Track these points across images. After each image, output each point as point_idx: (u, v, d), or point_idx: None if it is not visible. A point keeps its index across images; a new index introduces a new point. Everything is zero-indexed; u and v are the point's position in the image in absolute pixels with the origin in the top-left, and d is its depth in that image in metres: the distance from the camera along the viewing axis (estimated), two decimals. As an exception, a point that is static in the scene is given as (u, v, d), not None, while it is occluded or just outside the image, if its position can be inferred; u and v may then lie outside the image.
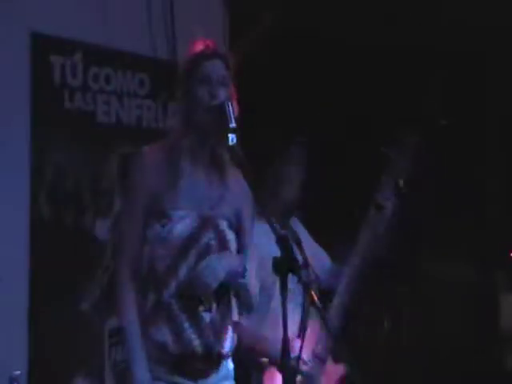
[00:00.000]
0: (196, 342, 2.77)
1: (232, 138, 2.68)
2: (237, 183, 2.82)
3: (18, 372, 3.68)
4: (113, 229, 4.18)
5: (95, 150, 4.67)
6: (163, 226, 2.78)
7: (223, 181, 2.87)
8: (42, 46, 4.51)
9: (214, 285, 2.71)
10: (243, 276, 2.81)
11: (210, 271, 2.75)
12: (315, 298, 2.62)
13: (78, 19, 4.65)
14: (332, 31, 5.05)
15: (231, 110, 2.71)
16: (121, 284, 2.73)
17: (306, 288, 2.60)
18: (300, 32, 5.04)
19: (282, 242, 2.49)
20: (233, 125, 2.68)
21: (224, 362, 2.84)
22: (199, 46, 2.79)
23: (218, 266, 2.77)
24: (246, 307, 2.89)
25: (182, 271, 2.77)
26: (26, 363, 4.36)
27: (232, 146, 2.69)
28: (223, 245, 2.83)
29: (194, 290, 2.70)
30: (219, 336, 2.82)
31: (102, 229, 4.63)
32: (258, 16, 4.94)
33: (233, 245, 2.84)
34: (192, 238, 2.79)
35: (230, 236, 2.84)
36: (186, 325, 2.76)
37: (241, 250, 2.89)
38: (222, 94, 2.75)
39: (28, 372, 4.27)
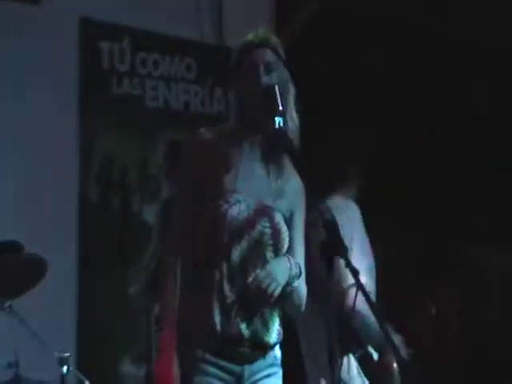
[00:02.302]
0: (244, 328, 2.77)
1: (279, 121, 2.70)
2: (294, 180, 2.83)
3: (67, 354, 3.77)
4: (159, 215, 4.27)
5: (143, 134, 4.78)
6: (219, 207, 2.77)
7: (281, 174, 2.86)
8: (91, 32, 4.66)
9: (276, 292, 2.74)
10: (298, 278, 2.84)
11: (271, 278, 2.75)
12: (363, 284, 2.65)
13: (125, 4, 4.71)
14: (378, 13, 5.04)
15: (278, 95, 2.74)
16: (165, 270, 2.79)
17: (354, 273, 2.63)
18: (345, 15, 5.02)
19: (328, 225, 2.52)
20: (280, 108, 2.72)
21: (271, 351, 2.84)
22: (249, 35, 2.84)
23: (279, 274, 2.77)
24: (295, 309, 2.92)
25: (235, 254, 2.77)
26: (75, 346, 4.51)
27: (279, 130, 2.71)
28: (277, 235, 2.82)
29: (254, 296, 2.74)
30: (267, 327, 2.82)
31: (149, 214, 4.73)
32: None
33: (286, 237, 2.83)
34: (247, 223, 2.77)
35: (284, 228, 2.83)
36: (237, 309, 2.76)
37: (291, 246, 2.87)
38: (270, 80, 2.79)
39: (76, 354, 4.41)
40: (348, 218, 3.58)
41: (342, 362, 3.61)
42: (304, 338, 3.74)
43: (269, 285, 2.69)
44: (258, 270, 2.73)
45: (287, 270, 2.75)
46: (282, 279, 2.73)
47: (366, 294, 2.66)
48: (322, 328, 3.41)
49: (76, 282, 4.68)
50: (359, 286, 2.66)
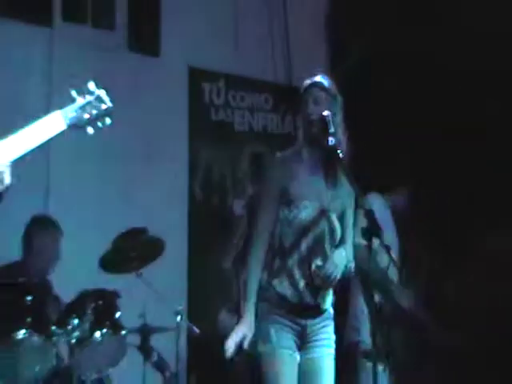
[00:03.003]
0: (308, 298, 2.86)
1: (331, 140, 2.73)
2: (345, 186, 2.92)
3: (181, 307, 3.81)
4: (246, 207, 4.31)
5: (234, 150, 5.01)
6: (290, 212, 2.86)
7: (336, 182, 2.93)
8: (196, 76, 4.90)
9: (338, 276, 2.83)
10: (351, 261, 2.94)
11: (334, 267, 2.79)
12: (393, 257, 2.66)
13: (221, 56, 5.00)
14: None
15: (330, 121, 2.73)
16: (252, 251, 2.84)
17: (387, 249, 2.63)
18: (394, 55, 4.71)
19: (368, 215, 2.53)
20: (331, 130, 2.71)
21: (326, 311, 2.95)
22: (308, 81, 2.99)
23: (339, 263, 2.82)
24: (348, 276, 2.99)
25: (303, 246, 2.85)
26: (186, 301, 4.77)
27: (332, 147, 2.71)
28: (332, 232, 2.91)
29: (323, 281, 2.81)
30: (325, 297, 2.92)
31: (237, 207, 4.79)
32: (354, 43, 4.80)
33: (339, 232, 2.95)
34: (312, 223, 2.86)
35: (338, 226, 2.93)
36: (302, 284, 2.85)
37: (343, 235, 2.93)
38: (319, 111, 2.80)
39: (187, 308, 4.65)
40: (379, 207, 3.51)
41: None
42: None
43: (333, 272, 2.79)
44: (319, 259, 2.82)
45: (344, 258, 2.86)
46: (341, 266, 2.83)
47: (397, 266, 2.63)
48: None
49: (187, 255, 4.93)
50: (392, 260, 2.65)
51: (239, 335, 2.75)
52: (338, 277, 2.77)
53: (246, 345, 2.74)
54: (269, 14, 5.20)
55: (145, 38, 4.77)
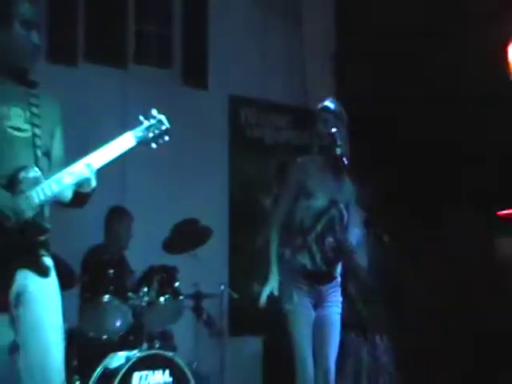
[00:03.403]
0: (323, 267, 3.00)
1: (339, 150, 2.76)
2: (348, 183, 3.09)
3: (224, 278, 3.91)
4: (272, 203, 4.35)
5: (264, 159, 5.18)
6: (308, 201, 2.99)
7: (341, 180, 3.06)
8: (234, 103, 5.08)
9: (353, 249, 3.02)
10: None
11: (352, 239, 2.96)
12: (386, 239, 2.70)
13: (254, 86, 5.21)
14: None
15: (337, 136, 2.78)
16: (272, 233, 2.90)
17: (383, 234, 2.67)
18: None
19: (367, 209, 2.59)
20: (339, 142, 2.76)
21: (337, 278, 3.09)
22: (320, 105, 3.12)
23: (355, 237, 3.01)
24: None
25: (318, 227, 2.95)
26: (228, 274, 4.97)
27: (339, 155, 2.76)
28: (341, 218, 3.05)
29: (341, 252, 2.99)
30: (334, 265, 3.06)
31: (267, 203, 4.83)
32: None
33: (346, 217, 3.08)
34: (324, 211, 3.00)
35: (345, 213, 3.09)
36: (318, 257, 2.98)
37: (349, 221, 3.04)
38: (330, 130, 2.89)
39: (229, 279, 4.87)
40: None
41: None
42: None
43: (351, 243, 2.93)
44: (331, 237, 2.93)
45: (357, 234, 3.00)
46: (355, 240, 3.00)
47: (390, 244, 2.67)
48: None
49: (228, 240, 5.05)
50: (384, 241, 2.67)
51: (268, 289, 2.86)
52: (353, 250, 2.91)
53: (275, 293, 2.83)
54: (289, 52, 5.29)
55: (196, 74, 4.95)
